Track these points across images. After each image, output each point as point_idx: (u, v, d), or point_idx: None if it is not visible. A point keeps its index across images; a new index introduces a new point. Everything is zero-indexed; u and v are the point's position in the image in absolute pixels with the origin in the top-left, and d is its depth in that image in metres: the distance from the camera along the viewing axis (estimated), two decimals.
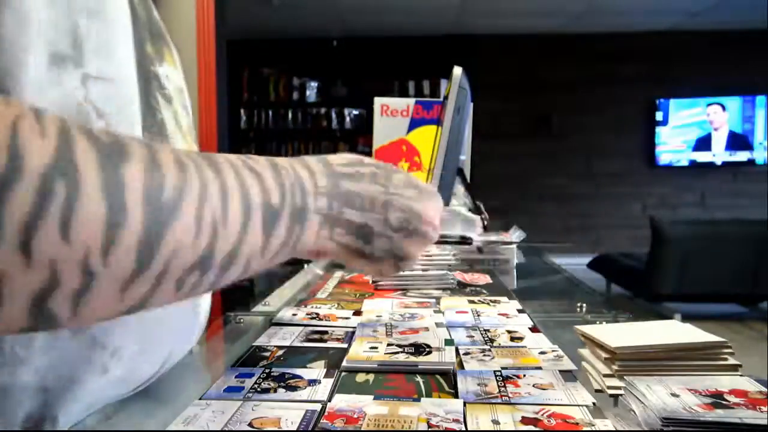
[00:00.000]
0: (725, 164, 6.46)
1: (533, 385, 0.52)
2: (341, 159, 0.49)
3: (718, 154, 6.44)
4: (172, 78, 0.56)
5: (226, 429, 0.44)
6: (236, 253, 0.37)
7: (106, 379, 0.45)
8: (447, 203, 1.62)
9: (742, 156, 6.42)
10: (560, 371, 0.55)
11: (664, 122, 6.49)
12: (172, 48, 0.58)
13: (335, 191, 0.46)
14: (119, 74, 0.44)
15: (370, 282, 0.98)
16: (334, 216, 0.46)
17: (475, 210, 1.72)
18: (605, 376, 0.51)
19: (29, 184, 0.27)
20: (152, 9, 0.56)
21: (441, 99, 1.73)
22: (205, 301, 0.59)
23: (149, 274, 0.32)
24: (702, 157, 6.47)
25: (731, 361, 0.51)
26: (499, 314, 0.78)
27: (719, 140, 6.43)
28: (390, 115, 2.40)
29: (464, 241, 1.26)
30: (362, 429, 0.44)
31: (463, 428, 0.44)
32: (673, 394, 0.44)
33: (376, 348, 0.62)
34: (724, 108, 6.37)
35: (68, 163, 0.28)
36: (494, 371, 0.55)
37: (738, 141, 6.40)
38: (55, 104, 0.39)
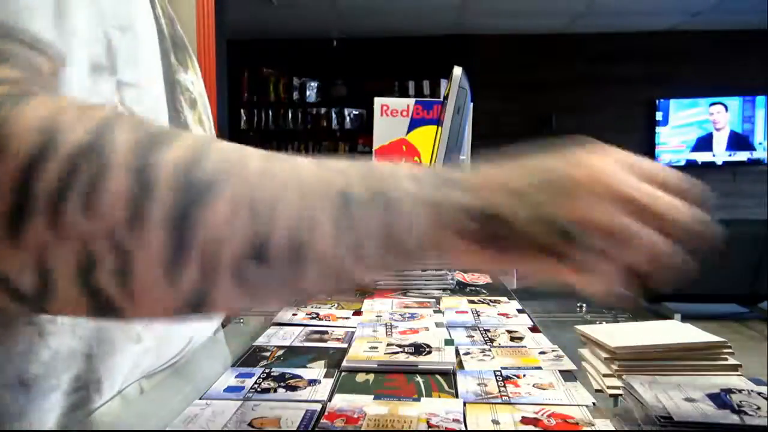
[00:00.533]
0: (725, 164, 6.46)
1: (533, 385, 0.52)
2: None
3: (719, 154, 6.44)
4: (195, 85, 0.62)
5: (226, 429, 0.44)
6: (299, 242, 0.33)
7: (140, 347, 0.51)
8: None
9: (742, 156, 6.42)
10: (560, 371, 0.56)
11: (664, 122, 6.49)
12: (193, 58, 0.65)
13: (431, 179, 0.37)
14: (147, 81, 0.50)
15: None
16: (439, 199, 0.36)
17: None
18: (605, 376, 0.51)
19: (59, 162, 0.29)
20: (176, 22, 0.62)
21: (441, 99, 1.73)
22: None
23: (192, 255, 0.31)
24: (702, 157, 6.47)
25: (731, 361, 0.51)
26: (499, 314, 0.78)
27: (720, 140, 6.43)
28: (390, 115, 2.41)
29: None
30: (362, 429, 0.44)
31: (463, 428, 0.44)
32: (673, 395, 0.44)
33: (376, 348, 0.62)
34: (726, 108, 6.37)
35: (101, 146, 0.30)
36: (494, 371, 0.55)
37: (739, 141, 6.40)
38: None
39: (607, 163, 0.38)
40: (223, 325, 0.79)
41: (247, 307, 0.38)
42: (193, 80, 0.61)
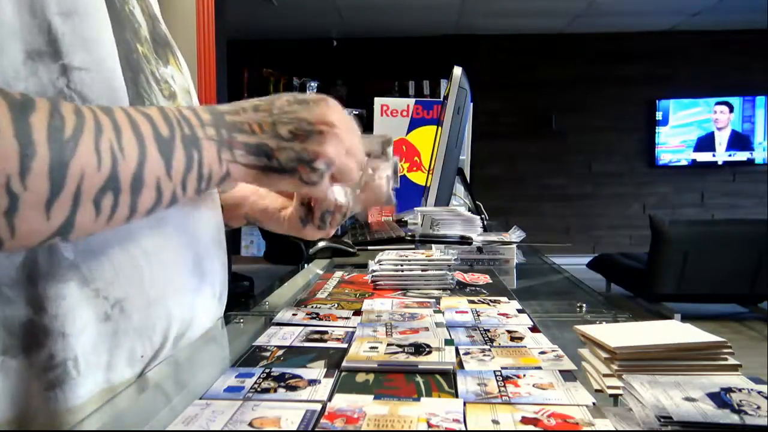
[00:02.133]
0: (725, 164, 6.47)
1: (533, 385, 0.52)
2: (225, 105, 0.56)
3: (719, 154, 6.44)
4: (177, 79, 0.65)
5: (226, 429, 0.44)
6: (140, 174, 0.45)
7: (111, 326, 0.52)
8: (447, 203, 1.62)
9: (742, 156, 6.43)
10: (560, 371, 0.55)
11: (664, 122, 6.49)
12: (177, 56, 0.68)
13: (221, 123, 0.52)
14: (101, 65, 0.52)
15: (370, 282, 0.99)
16: (227, 140, 0.52)
17: (475, 210, 1.72)
18: (605, 375, 0.51)
19: None
20: (158, 21, 0.66)
21: (441, 99, 1.73)
22: (214, 267, 0.67)
23: (65, 194, 0.41)
24: (702, 156, 6.47)
25: (731, 361, 0.51)
26: (499, 314, 0.78)
27: (722, 140, 6.43)
28: (390, 115, 2.41)
29: (464, 241, 1.26)
30: (362, 429, 0.44)
31: (463, 428, 0.44)
32: (673, 394, 0.44)
33: (376, 348, 0.62)
34: (731, 108, 6.37)
35: None
36: (494, 371, 0.55)
37: (741, 141, 6.40)
38: (35, 91, 0.47)
39: (341, 122, 0.56)
40: (224, 325, 0.79)
41: (103, 229, 0.46)
42: (174, 75, 0.64)
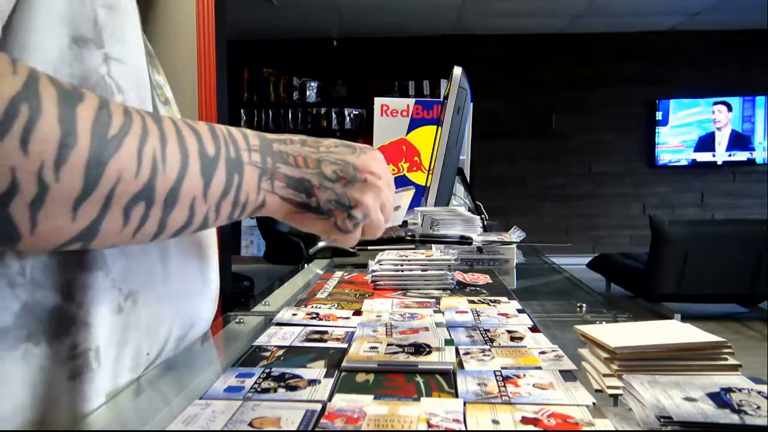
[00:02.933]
0: (725, 164, 6.47)
1: (533, 385, 0.52)
2: (273, 134, 0.55)
3: (719, 154, 6.44)
4: (166, 88, 0.65)
5: (226, 429, 0.44)
6: (177, 190, 0.44)
7: (122, 318, 0.51)
8: (447, 203, 1.62)
9: (742, 156, 6.43)
10: (560, 371, 0.55)
11: (664, 122, 6.49)
12: (159, 67, 0.69)
13: (268, 150, 0.52)
14: (133, 59, 0.53)
15: (370, 282, 0.99)
16: (270, 169, 0.51)
17: (475, 210, 1.72)
18: (605, 375, 0.51)
19: (1, 103, 0.35)
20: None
21: (441, 99, 1.73)
22: (214, 274, 0.67)
23: (96, 195, 0.39)
24: (702, 156, 6.47)
25: (731, 361, 0.51)
26: (499, 314, 0.78)
27: (722, 140, 6.43)
28: (390, 115, 2.41)
29: (464, 241, 1.26)
30: (362, 429, 0.44)
31: (463, 428, 0.44)
32: (673, 394, 0.44)
33: (376, 348, 0.62)
34: (729, 107, 6.37)
35: (33, 94, 0.36)
36: (494, 371, 0.55)
37: (741, 140, 6.40)
38: (79, 76, 0.47)
39: (384, 175, 0.58)
40: (224, 325, 0.79)
41: (126, 243, 0.44)
42: (164, 84, 0.65)
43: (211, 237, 0.66)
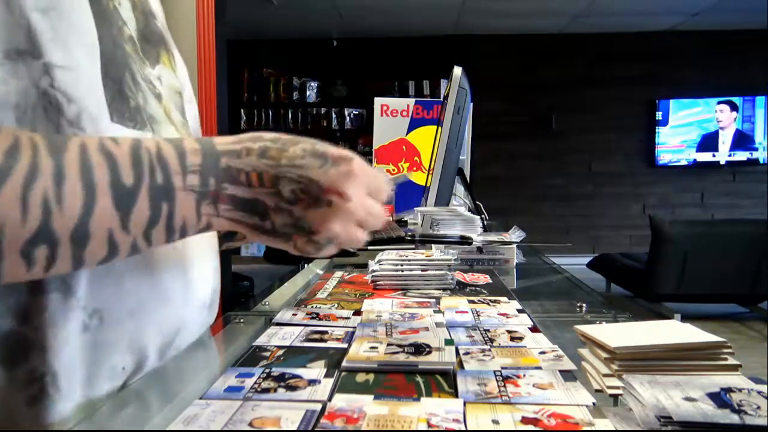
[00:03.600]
0: (725, 164, 6.47)
1: (533, 385, 0.52)
2: (229, 138, 0.50)
3: (719, 153, 6.45)
4: (166, 80, 0.61)
5: (226, 429, 0.44)
6: (85, 227, 0.41)
7: (89, 337, 0.49)
8: (447, 203, 1.62)
9: (742, 156, 6.43)
10: (560, 371, 0.55)
11: (664, 122, 6.49)
12: (173, 54, 0.64)
13: (212, 169, 0.47)
14: (82, 64, 0.48)
15: (370, 282, 0.99)
16: (213, 192, 0.47)
17: (475, 210, 1.72)
18: (605, 375, 0.51)
19: None
20: (152, 17, 0.62)
21: (441, 99, 1.73)
22: (202, 277, 0.63)
23: None
24: (702, 156, 6.47)
25: (731, 361, 0.51)
26: (499, 314, 0.78)
27: (726, 139, 6.43)
28: (390, 115, 2.41)
29: (464, 241, 1.26)
30: (362, 429, 0.44)
31: (463, 428, 0.44)
32: (673, 394, 0.44)
33: (376, 348, 0.62)
34: (732, 107, 6.37)
35: None
36: (494, 371, 0.55)
37: (745, 140, 6.40)
38: (18, 92, 0.44)
39: (357, 195, 0.51)
40: (224, 325, 0.79)
41: (45, 277, 0.43)
42: (162, 75, 0.60)
43: (195, 240, 0.62)
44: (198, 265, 0.63)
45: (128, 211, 0.43)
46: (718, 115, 6.39)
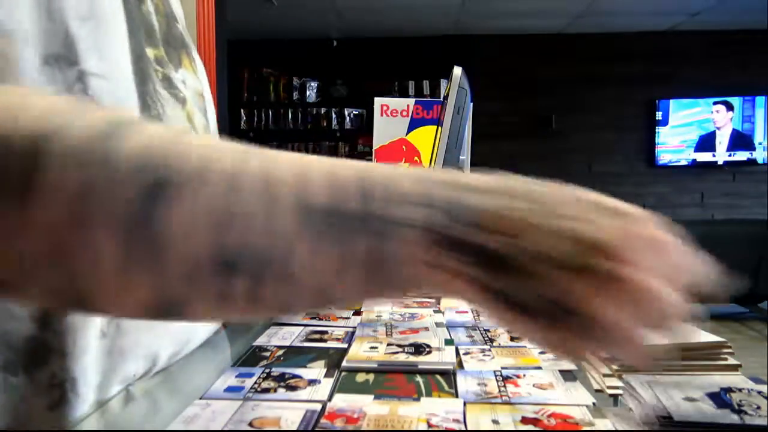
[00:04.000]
0: (725, 164, 6.47)
1: (533, 385, 0.52)
2: (468, 174, 0.35)
3: (719, 153, 6.44)
4: (190, 83, 0.62)
5: (226, 429, 0.44)
6: (264, 256, 0.31)
7: (107, 346, 0.49)
8: None
9: (742, 156, 6.42)
10: (560, 371, 0.55)
11: (664, 122, 6.49)
12: (194, 57, 0.65)
13: (432, 201, 0.32)
14: (115, 72, 0.49)
15: None
16: (439, 230, 0.32)
17: None
18: (605, 375, 0.51)
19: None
20: (174, 20, 0.63)
21: (441, 99, 1.73)
22: None
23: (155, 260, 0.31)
24: (702, 156, 6.47)
25: (731, 361, 0.51)
26: None
27: (723, 139, 6.43)
28: (390, 115, 2.40)
29: None
30: (362, 429, 0.44)
31: (463, 428, 0.44)
32: (673, 394, 0.44)
33: (376, 348, 0.62)
34: (729, 107, 6.36)
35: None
36: (494, 371, 0.55)
37: (742, 140, 6.40)
38: None
39: (647, 261, 0.34)
40: (224, 325, 0.79)
41: (219, 319, 0.37)
42: (186, 79, 0.61)
43: None
44: None
45: (317, 241, 0.31)
46: (714, 116, 6.39)
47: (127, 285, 0.31)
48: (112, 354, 0.50)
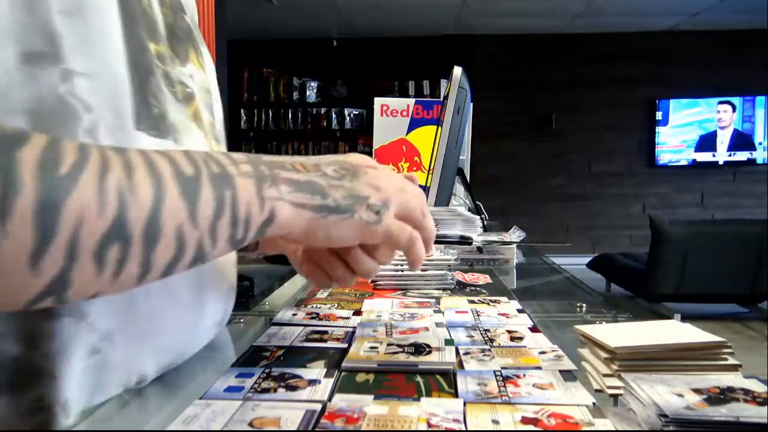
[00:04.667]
0: (725, 164, 6.47)
1: (533, 385, 0.52)
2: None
3: (719, 153, 6.45)
4: (197, 78, 0.59)
5: (226, 429, 0.44)
6: (157, 221, 0.38)
7: (99, 362, 0.47)
8: (447, 203, 1.62)
9: (742, 156, 6.43)
10: (560, 371, 0.55)
11: (664, 122, 6.49)
12: (201, 51, 0.62)
13: (258, 161, 0.46)
14: (106, 71, 0.46)
15: (369, 281, 0.98)
16: (269, 175, 0.46)
17: (475, 210, 1.72)
18: (605, 375, 0.51)
19: None
20: (180, 12, 0.59)
21: (441, 99, 1.73)
22: (216, 295, 0.62)
23: (58, 243, 0.34)
24: (702, 156, 6.47)
25: (731, 361, 0.51)
26: (499, 314, 0.78)
27: (725, 139, 6.43)
28: (390, 115, 2.40)
29: (464, 241, 1.26)
30: (362, 429, 0.44)
31: (463, 428, 0.44)
32: (673, 394, 0.44)
33: (376, 348, 0.62)
34: (734, 107, 6.37)
35: None
36: (494, 371, 0.55)
37: (743, 140, 6.40)
38: (32, 100, 0.41)
39: (378, 166, 0.54)
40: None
41: (109, 291, 0.39)
42: (194, 74, 0.58)
43: (214, 265, 0.60)
44: (214, 285, 0.61)
45: (195, 200, 0.41)
46: (719, 115, 6.39)
47: (34, 271, 0.34)
48: (103, 369, 0.48)
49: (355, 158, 0.53)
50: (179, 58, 0.56)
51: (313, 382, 0.53)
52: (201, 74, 0.60)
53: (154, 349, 0.53)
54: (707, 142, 6.45)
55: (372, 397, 0.49)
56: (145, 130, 0.49)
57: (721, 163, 6.45)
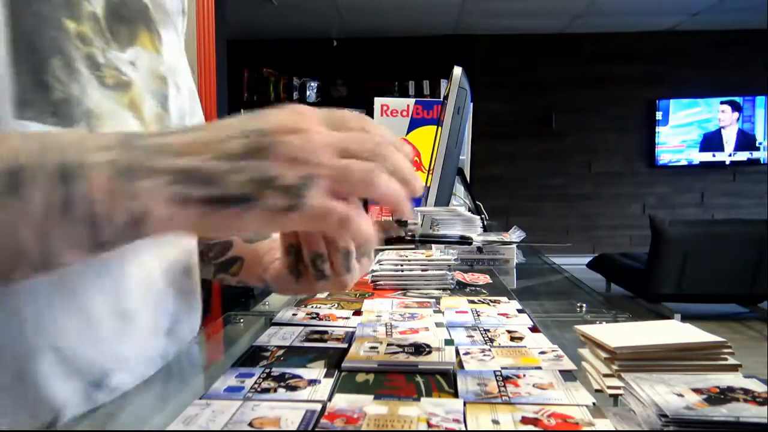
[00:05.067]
0: (725, 164, 6.47)
1: (533, 385, 0.52)
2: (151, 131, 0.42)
3: (719, 153, 6.45)
4: (145, 64, 0.53)
5: (226, 429, 0.44)
6: None
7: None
8: (447, 203, 1.62)
9: (742, 156, 6.43)
10: (560, 371, 0.55)
11: (664, 122, 6.49)
12: (159, 34, 0.56)
13: (130, 148, 0.37)
14: None
15: (369, 282, 0.98)
16: (143, 166, 0.36)
17: (475, 210, 1.72)
18: (605, 375, 0.51)
19: None
20: None
21: (441, 99, 1.73)
22: (154, 300, 0.56)
23: None
24: (702, 156, 6.47)
25: (731, 361, 0.51)
26: (499, 314, 0.78)
27: (729, 138, 6.43)
28: (390, 115, 2.40)
29: (464, 241, 1.26)
30: (362, 429, 0.44)
31: (463, 428, 0.44)
32: (674, 394, 0.44)
33: (376, 348, 0.62)
34: (735, 107, 6.37)
35: None
36: (494, 371, 0.55)
37: (747, 140, 6.40)
38: None
39: (314, 122, 0.40)
40: (224, 325, 0.79)
41: None
42: (140, 58, 0.52)
43: (144, 259, 0.53)
44: (148, 292, 0.54)
45: (18, 196, 0.34)
46: (721, 115, 6.39)
47: None
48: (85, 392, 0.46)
49: (274, 119, 0.39)
50: (117, 41, 0.50)
51: (313, 382, 0.53)
52: (154, 59, 0.54)
53: (58, 370, 0.46)
54: (710, 142, 6.44)
55: (372, 397, 0.49)
56: (36, 118, 0.43)
57: (719, 163, 6.45)
